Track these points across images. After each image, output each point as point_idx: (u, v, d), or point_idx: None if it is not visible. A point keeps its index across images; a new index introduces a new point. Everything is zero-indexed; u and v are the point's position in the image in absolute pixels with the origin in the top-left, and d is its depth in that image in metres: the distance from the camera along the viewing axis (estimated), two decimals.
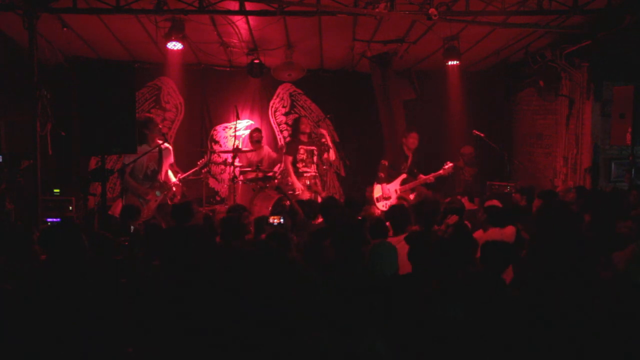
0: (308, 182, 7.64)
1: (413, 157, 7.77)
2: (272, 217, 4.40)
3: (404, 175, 7.70)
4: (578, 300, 2.97)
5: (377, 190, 7.70)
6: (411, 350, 2.55)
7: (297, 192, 7.40)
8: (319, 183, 7.79)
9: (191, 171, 7.47)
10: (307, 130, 7.83)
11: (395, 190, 7.63)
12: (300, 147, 7.72)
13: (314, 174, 7.73)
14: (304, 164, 7.68)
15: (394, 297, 2.86)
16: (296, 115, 9.30)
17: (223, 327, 2.54)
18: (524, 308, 2.92)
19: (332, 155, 7.71)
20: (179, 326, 2.61)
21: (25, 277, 3.21)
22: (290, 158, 7.69)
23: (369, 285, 3.01)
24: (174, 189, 6.90)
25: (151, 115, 7.30)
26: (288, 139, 8.88)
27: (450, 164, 7.48)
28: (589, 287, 3.19)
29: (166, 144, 6.73)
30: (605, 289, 3.25)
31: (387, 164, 7.73)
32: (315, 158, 7.75)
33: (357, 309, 2.61)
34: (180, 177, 7.16)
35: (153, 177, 6.57)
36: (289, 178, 7.63)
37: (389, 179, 7.70)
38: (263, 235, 4.35)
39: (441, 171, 7.47)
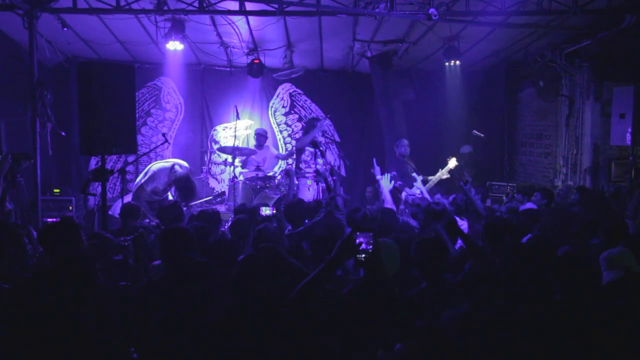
0: (309, 182, 7.61)
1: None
2: (263, 208, 4.32)
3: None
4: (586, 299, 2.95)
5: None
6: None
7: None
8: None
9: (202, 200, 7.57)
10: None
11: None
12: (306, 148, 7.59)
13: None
14: (306, 164, 7.63)
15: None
16: (296, 115, 9.30)
17: (222, 328, 2.54)
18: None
19: None
20: (179, 326, 2.61)
21: (22, 276, 3.20)
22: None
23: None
24: None
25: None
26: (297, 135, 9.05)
27: (453, 158, 7.30)
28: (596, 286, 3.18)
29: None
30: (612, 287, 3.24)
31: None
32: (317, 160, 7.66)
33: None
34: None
35: (161, 194, 6.59)
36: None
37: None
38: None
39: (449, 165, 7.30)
